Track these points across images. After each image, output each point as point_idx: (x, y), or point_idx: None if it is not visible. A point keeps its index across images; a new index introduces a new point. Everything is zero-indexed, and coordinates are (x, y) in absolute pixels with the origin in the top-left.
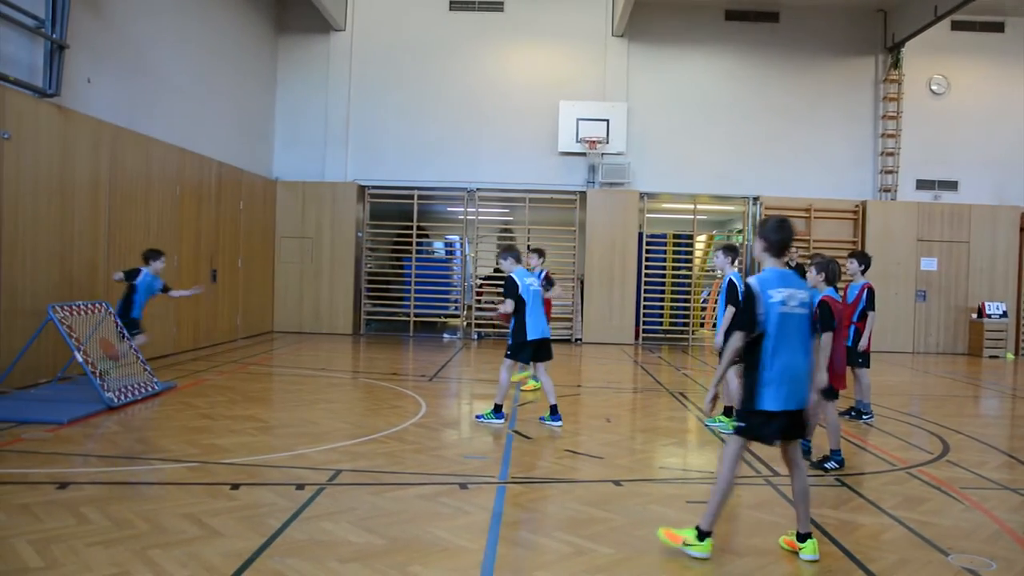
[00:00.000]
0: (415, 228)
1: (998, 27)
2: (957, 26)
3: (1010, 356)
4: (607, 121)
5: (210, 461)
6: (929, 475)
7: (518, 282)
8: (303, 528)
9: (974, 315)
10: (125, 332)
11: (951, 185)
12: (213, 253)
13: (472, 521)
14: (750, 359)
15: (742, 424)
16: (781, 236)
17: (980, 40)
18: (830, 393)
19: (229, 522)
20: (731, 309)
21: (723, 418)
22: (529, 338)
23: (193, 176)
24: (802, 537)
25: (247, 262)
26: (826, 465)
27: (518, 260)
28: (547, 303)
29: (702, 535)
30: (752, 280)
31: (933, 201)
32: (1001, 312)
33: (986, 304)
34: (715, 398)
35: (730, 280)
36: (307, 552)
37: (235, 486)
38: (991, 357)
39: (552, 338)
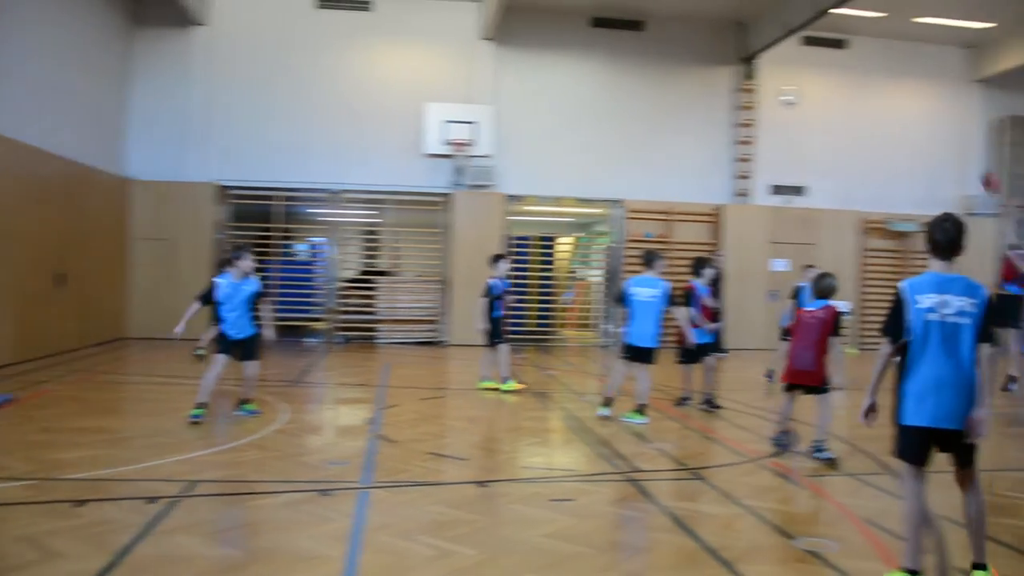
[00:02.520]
0: (278, 230)
1: (842, 44)
2: (806, 41)
3: (853, 351)
4: (474, 124)
5: (51, 477)
6: (777, 465)
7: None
8: (155, 544)
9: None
10: None
11: (801, 190)
12: (60, 255)
13: (334, 528)
14: (901, 369)
15: (896, 446)
16: (944, 236)
17: (826, 55)
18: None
19: (72, 542)
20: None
21: (635, 414)
22: None
23: (35, 173)
24: (978, 567)
25: (97, 265)
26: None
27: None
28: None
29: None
30: (904, 283)
31: (784, 205)
32: (845, 310)
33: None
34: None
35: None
36: (158, 569)
37: (79, 503)
38: None
39: (421, 341)
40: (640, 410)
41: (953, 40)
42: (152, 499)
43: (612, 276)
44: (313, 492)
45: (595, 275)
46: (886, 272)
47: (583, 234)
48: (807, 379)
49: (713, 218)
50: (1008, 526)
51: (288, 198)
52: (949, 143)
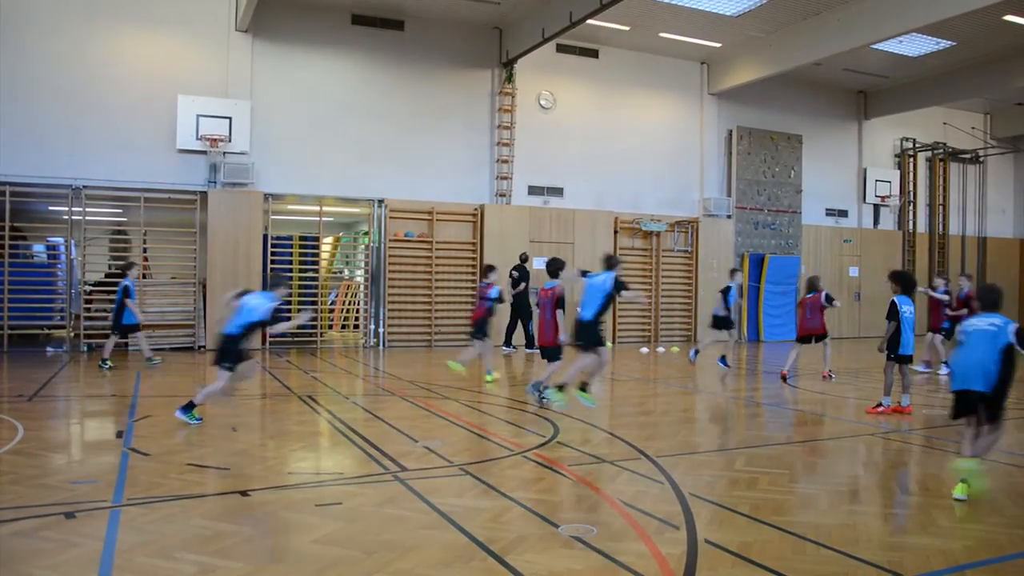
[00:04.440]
0: (8, 229)
1: (594, 54)
2: (561, 49)
3: (608, 345)
4: (230, 119)
5: None
6: (542, 456)
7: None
8: None
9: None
10: None
11: (558, 191)
12: None
13: (81, 554)
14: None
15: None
16: (988, 298)
17: (580, 63)
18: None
19: None
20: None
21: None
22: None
23: None
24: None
25: None
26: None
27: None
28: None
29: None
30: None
31: (543, 206)
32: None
33: None
34: None
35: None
36: None
37: None
38: None
39: (177, 347)
40: (583, 388)
41: (692, 56)
42: None
43: (375, 276)
44: (56, 516)
45: (359, 275)
46: (638, 269)
47: (344, 234)
48: None
49: (474, 218)
50: (745, 497)
51: (20, 194)
52: (690, 150)
